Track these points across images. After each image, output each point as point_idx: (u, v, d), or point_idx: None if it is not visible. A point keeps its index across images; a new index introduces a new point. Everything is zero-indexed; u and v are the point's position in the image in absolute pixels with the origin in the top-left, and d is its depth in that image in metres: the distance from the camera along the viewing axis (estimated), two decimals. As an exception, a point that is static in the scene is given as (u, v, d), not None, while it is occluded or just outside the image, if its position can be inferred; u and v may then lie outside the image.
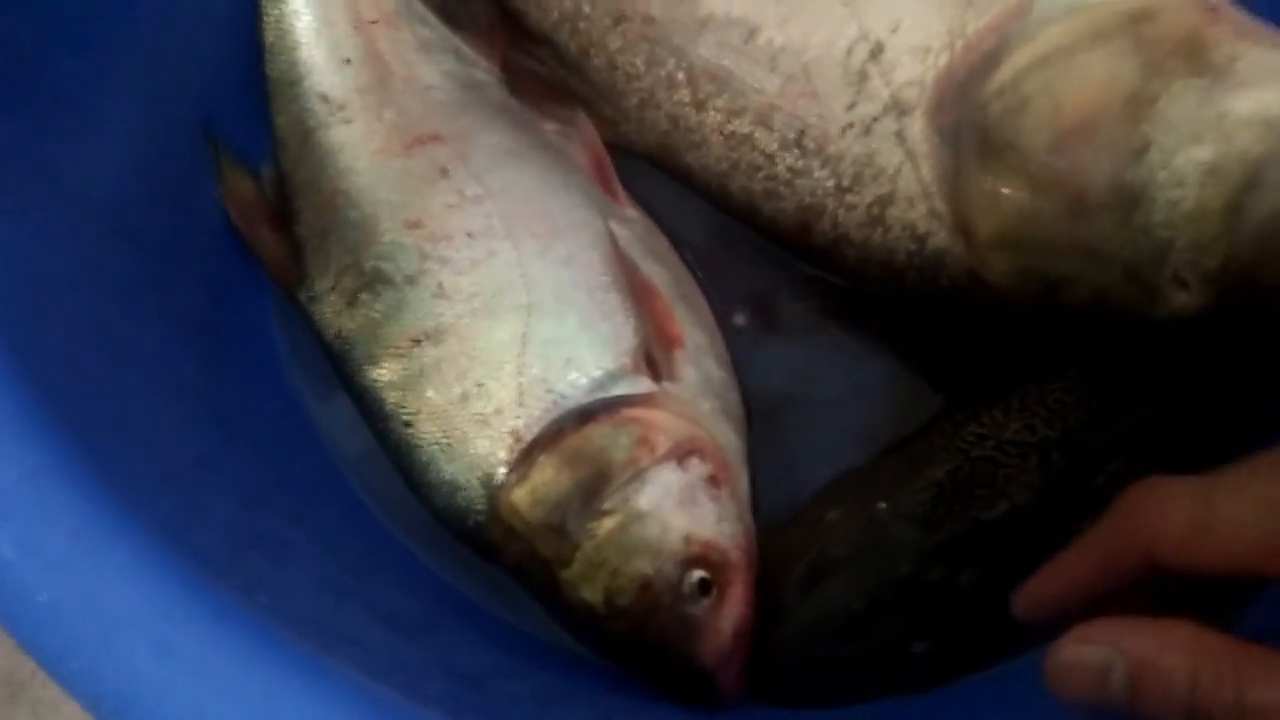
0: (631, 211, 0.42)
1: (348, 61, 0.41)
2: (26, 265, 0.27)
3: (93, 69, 0.34)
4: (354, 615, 0.29)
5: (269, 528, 0.30)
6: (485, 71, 0.44)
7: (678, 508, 0.35)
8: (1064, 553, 0.29)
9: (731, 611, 0.35)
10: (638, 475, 0.35)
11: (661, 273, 0.40)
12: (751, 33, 0.39)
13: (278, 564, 0.28)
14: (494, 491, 0.35)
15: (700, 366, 0.38)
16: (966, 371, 0.40)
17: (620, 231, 0.40)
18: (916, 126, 0.37)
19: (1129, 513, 0.27)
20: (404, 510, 0.37)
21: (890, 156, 0.37)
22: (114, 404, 0.28)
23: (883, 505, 0.36)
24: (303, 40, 0.41)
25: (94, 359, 0.28)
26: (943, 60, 0.37)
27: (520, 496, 0.35)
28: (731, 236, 0.43)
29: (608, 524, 0.34)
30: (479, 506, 0.36)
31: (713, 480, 0.36)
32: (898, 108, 0.37)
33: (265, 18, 0.41)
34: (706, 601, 0.34)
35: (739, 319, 0.42)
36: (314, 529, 0.33)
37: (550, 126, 0.43)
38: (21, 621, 0.21)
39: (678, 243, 0.43)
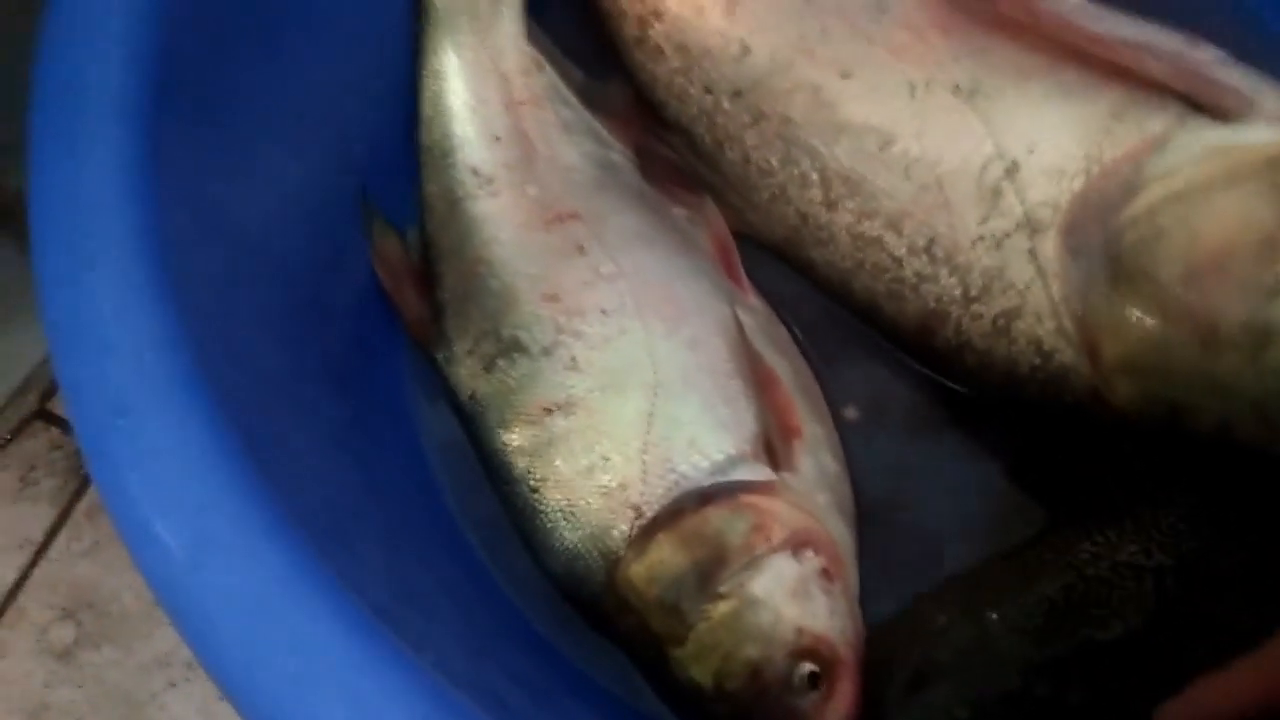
0: (755, 300, 0.43)
1: (497, 138, 0.43)
2: (226, 318, 0.29)
3: (274, 129, 0.37)
4: (493, 676, 0.30)
5: (417, 584, 0.32)
6: (621, 154, 0.46)
7: (791, 599, 0.35)
8: (1218, 674, 0.29)
9: (838, 708, 0.35)
10: (753, 562, 0.36)
11: (782, 363, 0.41)
12: (887, 141, 0.41)
13: (430, 620, 0.29)
14: (612, 564, 0.36)
15: (817, 459, 0.39)
16: (1076, 486, 0.41)
17: (744, 319, 0.41)
18: (1049, 245, 0.38)
19: None
20: (522, 575, 0.38)
21: (1021, 272, 0.38)
22: (290, 453, 0.29)
23: (993, 615, 0.36)
24: (458, 115, 0.43)
25: (274, 408, 0.30)
26: (1078, 184, 0.38)
27: (638, 572, 0.36)
28: (849, 332, 0.44)
29: (722, 608, 0.35)
30: (597, 577, 0.37)
31: (825, 574, 0.36)
32: (1030, 225, 0.38)
33: (424, 92, 0.43)
34: (814, 695, 0.35)
35: (850, 413, 0.43)
36: (447, 588, 0.34)
37: (680, 211, 0.45)
38: (222, 669, 0.22)
39: (796, 334, 0.44)
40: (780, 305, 0.44)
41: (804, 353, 0.43)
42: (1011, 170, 0.39)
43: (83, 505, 0.49)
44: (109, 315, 0.26)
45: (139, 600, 0.47)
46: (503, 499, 0.39)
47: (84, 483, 0.49)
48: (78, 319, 0.26)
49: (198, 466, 0.24)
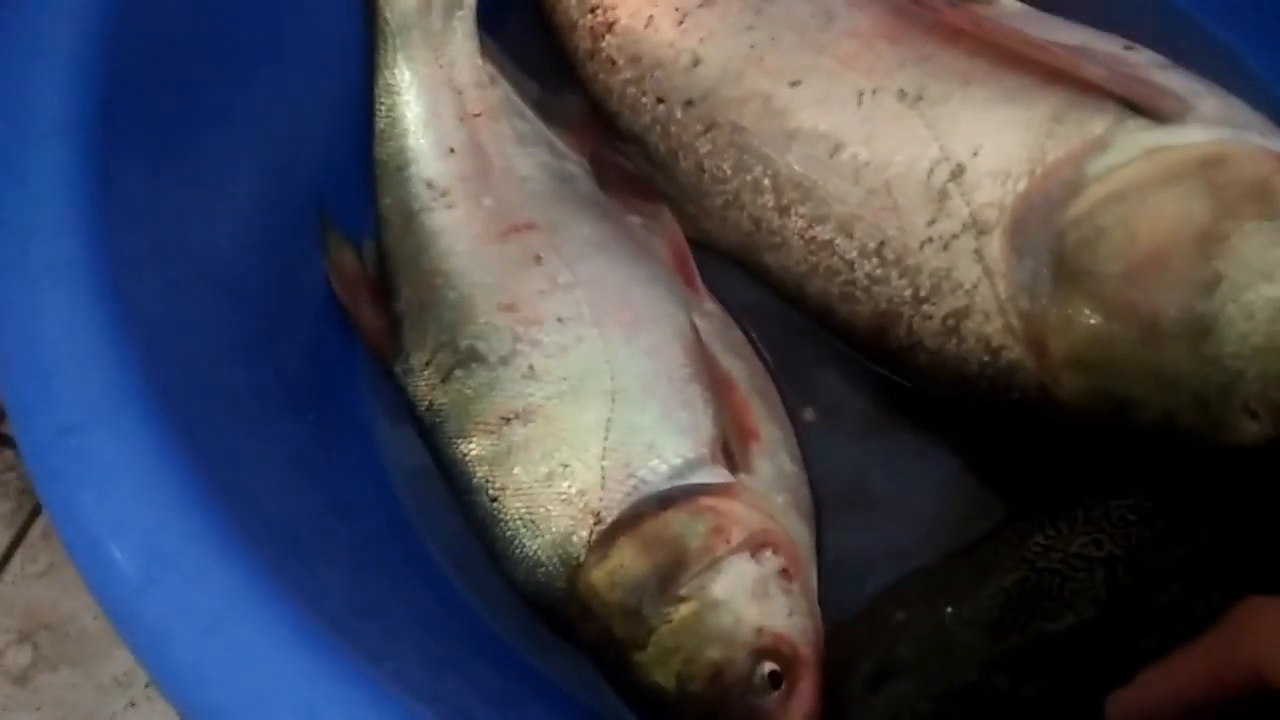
0: (711, 305, 0.44)
1: (452, 151, 0.43)
2: (178, 336, 0.29)
3: (225, 146, 0.37)
4: (457, 688, 0.30)
5: (377, 598, 0.32)
6: (576, 165, 0.46)
7: (751, 599, 0.36)
8: (1165, 662, 0.30)
9: (800, 706, 0.35)
10: (713, 564, 0.36)
11: (739, 366, 0.42)
12: (837, 147, 0.41)
13: (390, 634, 0.30)
14: (573, 570, 0.37)
15: (774, 460, 0.40)
16: (1030, 479, 0.42)
17: (701, 324, 0.42)
18: (995, 245, 0.39)
19: (1240, 629, 0.28)
20: (484, 585, 0.38)
21: (968, 272, 0.39)
22: (246, 469, 0.29)
23: (950, 610, 0.37)
24: (412, 129, 0.43)
25: (227, 426, 0.30)
26: (1021, 185, 0.39)
27: (599, 577, 0.36)
28: (805, 335, 0.44)
29: (683, 610, 0.35)
30: (559, 584, 0.37)
31: (785, 574, 0.37)
32: (977, 226, 0.39)
33: (378, 106, 0.43)
34: (776, 695, 0.35)
35: (808, 414, 0.44)
36: (409, 601, 0.34)
37: (636, 220, 0.45)
38: (177, 689, 0.22)
39: (752, 337, 0.44)
40: (736, 310, 0.45)
41: (760, 356, 0.44)
42: (957, 173, 0.39)
43: (38, 527, 0.48)
44: (57, 335, 0.26)
45: (97, 621, 0.46)
46: (463, 509, 0.39)
47: (39, 504, 0.49)
48: (24, 339, 0.26)
49: (148, 484, 0.24)
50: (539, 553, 0.37)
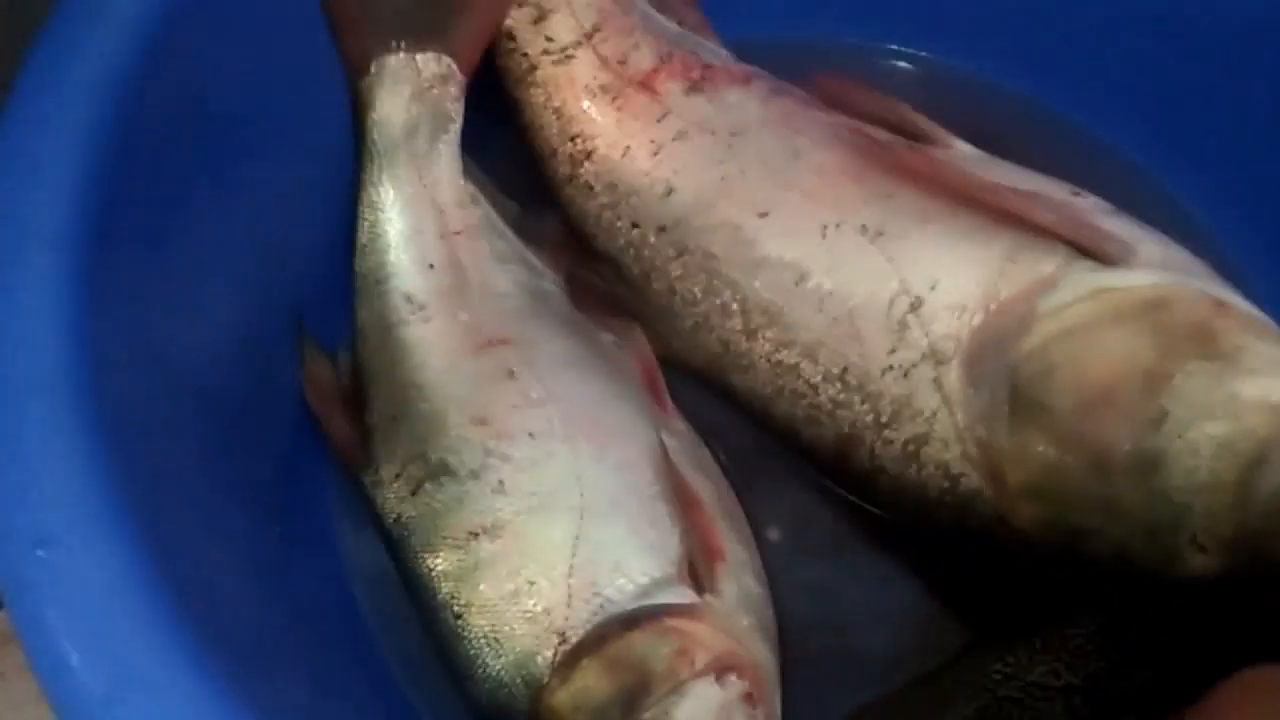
0: (679, 424, 0.45)
1: (431, 266, 0.44)
2: (154, 446, 0.29)
3: (209, 258, 0.37)
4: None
5: (333, 715, 0.31)
6: (552, 282, 0.47)
7: (715, 724, 0.36)
8: None
9: (762, 837, 0.35)
10: (677, 688, 0.36)
11: (706, 486, 0.42)
12: (802, 276, 0.43)
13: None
14: (536, 692, 0.36)
15: (740, 582, 0.40)
16: (991, 605, 0.42)
17: (669, 443, 0.43)
18: (953, 375, 0.40)
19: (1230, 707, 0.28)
20: (446, 706, 0.37)
21: (927, 400, 0.40)
22: (215, 583, 0.29)
23: (911, 738, 0.37)
24: (393, 244, 0.44)
25: (198, 537, 0.30)
26: (977, 319, 0.40)
27: (562, 699, 0.36)
28: (770, 455, 0.45)
29: (646, 736, 0.35)
30: (520, 706, 0.36)
31: (749, 699, 0.37)
32: (935, 357, 0.41)
33: (361, 221, 0.45)
34: (739, 824, 0.35)
35: (773, 534, 0.45)
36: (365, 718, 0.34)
37: (608, 337, 0.47)
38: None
39: (719, 457, 0.45)
40: (704, 429, 0.45)
41: (727, 475, 0.44)
42: (916, 305, 0.41)
43: (-10, 635, 0.46)
44: (36, 446, 0.26)
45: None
46: (426, 626, 0.38)
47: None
48: (6, 449, 0.26)
49: (118, 600, 0.24)
50: (502, 673, 0.37)
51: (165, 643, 0.24)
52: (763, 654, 0.39)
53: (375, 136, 0.45)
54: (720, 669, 0.37)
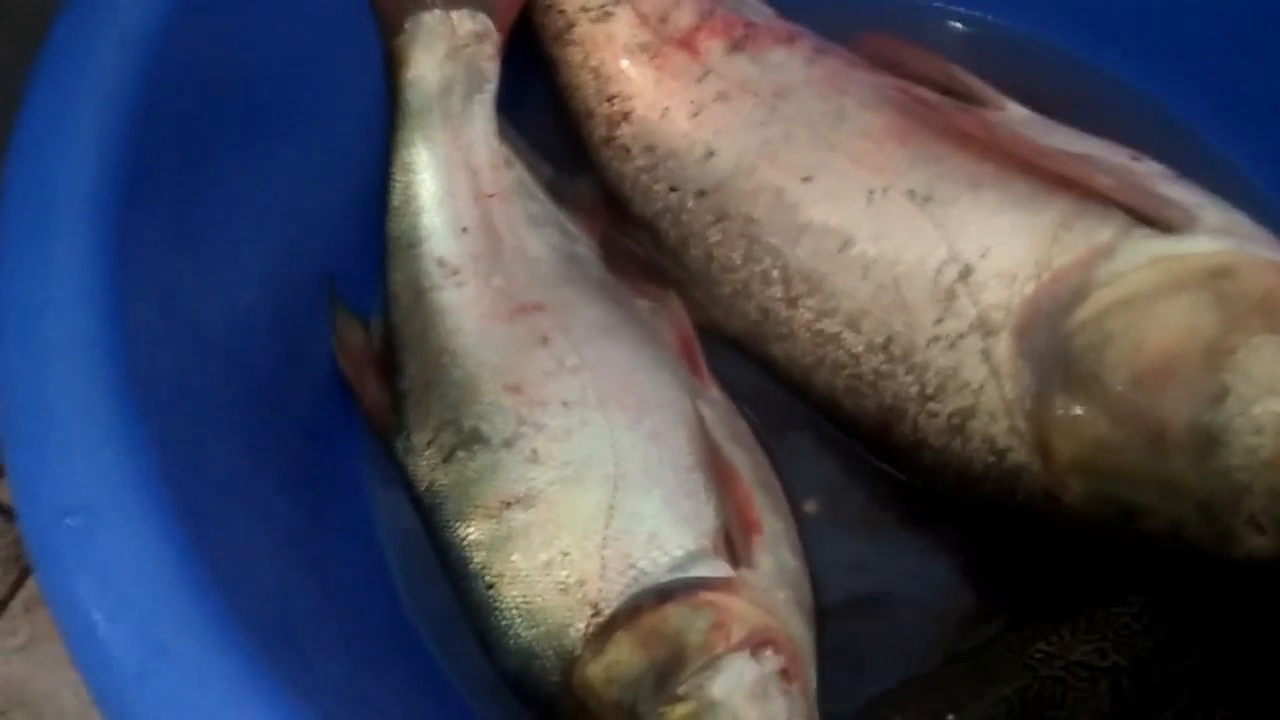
0: (716, 393, 0.44)
1: (465, 230, 0.43)
2: (187, 414, 0.29)
3: (241, 222, 0.37)
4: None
5: (368, 690, 0.31)
6: (586, 247, 0.46)
7: (750, 700, 0.35)
8: None
9: (797, 813, 0.34)
10: (712, 662, 0.35)
11: (742, 456, 0.41)
12: (846, 242, 0.42)
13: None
14: (568, 663, 0.36)
15: (776, 555, 0.39)
16: (1034, 582, 0.41)
17: (705, 413, 0.42)
18: (1002, 346, 0.39)
19: None
20: (477, 676, 0.37)
21: (975, 372, 0.39)
22: (246, 554, 0.29)
23: (950, 718, 0.36)
24: (427, 207, 0.43)
25: (230, 507, 0.29)
26: (1029, 288, 0.39)
27: (595, 672, 0.35)
28: (809, 425, 0.44)
29: (680, 710, 0.34)
30: (553, 677, 0.36)
31: (784, 674, 0.36)
32: (984, 327, 0.39)
33: (394, 183, 0.44)
34: (773, 800, 0.34)
35: (810, 507, 0.44)
36: (396, 688, 0.33)
37: (643, 304, 0.45)
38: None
39: (756, 427, 0.44)
40: (741, 398, 0.44)
41: (764, 446, 0.44)
42: (965, 274, 0.40)
43: (20, 598, 0.47)
44: (68, 412, 0.25)
45: (77, 699, 0.45)
46: (458, 594, 0.38)
47: (23, 573, 0.48)
48: (35, 413, 0.25)
49: (150, 572, 0.24)
50: (534, 644, 0.36)
51: (196, 614, 0.24)
52: (799, 628, 0.38)
53: (409, 96, 0.44)
54: (756, 643, 0.36)
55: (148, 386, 0.27)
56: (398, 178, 0.44)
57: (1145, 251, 0.38)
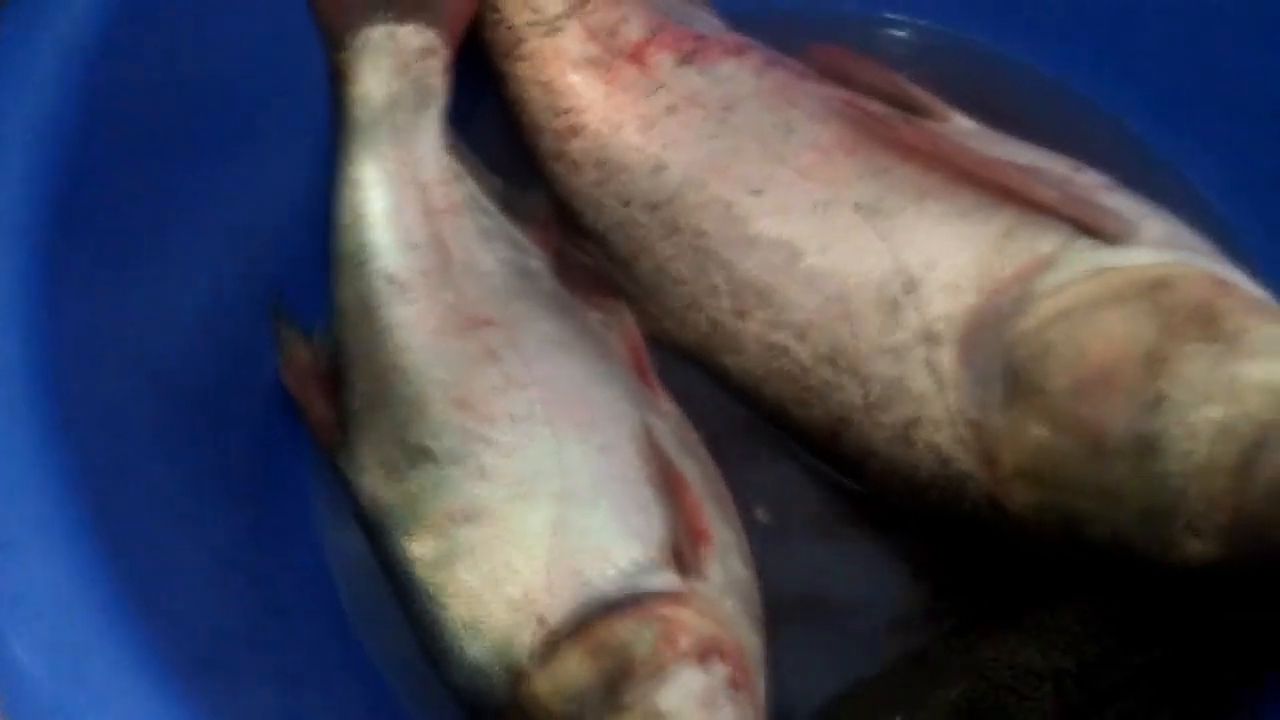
0: (666, 405, 0.44)
1: (414, 246, 0.43)
2: (119, 438, 0.28)
3: (182, 240, 0.37)
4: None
5: (302, 713, 0.31)
6: (538, 260, 0.46)
7: (698, 709, 0.35)
8: None
9: (745, 825, 0.34)
10: (660, 673, 0.35)
11: (693, 467, 0.42)
12: (794, 255, 0.42)
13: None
14: (516, 677, 0.36)
15: (726, 565, 0.39)
16: (982, 587, 0.42)
17: (656, 424, 0.42)
18: (946, 357, 0.39)
19: None
20: (427, 694, 0.37)
21: (920, 382, 0.39)
22: (179, 578, 0.28)
23: (898, 723, 0.36)
24: (375, 223, 0.43)
25: (163, 530, 0.29)
26: (973, 299, 0.39)
27: (542, 686, 0.35)
28: (760, 436, 0.44)
29: (627, 722, 0.35)
30: (500, 692, 0.36)
31: (733, 683, 0.36)
32: (929, 338, 0.40)
33: (341, 200, 0.44)
34: (721, 812, 0.34)
35: (761, 515, 0.44)
36: (343, 712, 0.33)
37: (595, 316, 0.46)
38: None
39: (707, 438, 0.44)
40: (692, 409, 0.44)
41: (715, 457, 0.44)
42: (910, 285, 0.40)
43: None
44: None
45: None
46: (406, 612, 0.38)
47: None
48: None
49: (72, 603, 0.23)
50: (481, 658, 0.36)
51: (118, 646, 0.23)
52: (748, 637, 0.38)
53: (356, 112, 0.44)
54: (704, 654, 0.36)
55: (75, 412, 0.26)
56: (345, 194, 0.44)
57: (1086, 263, 0.38)
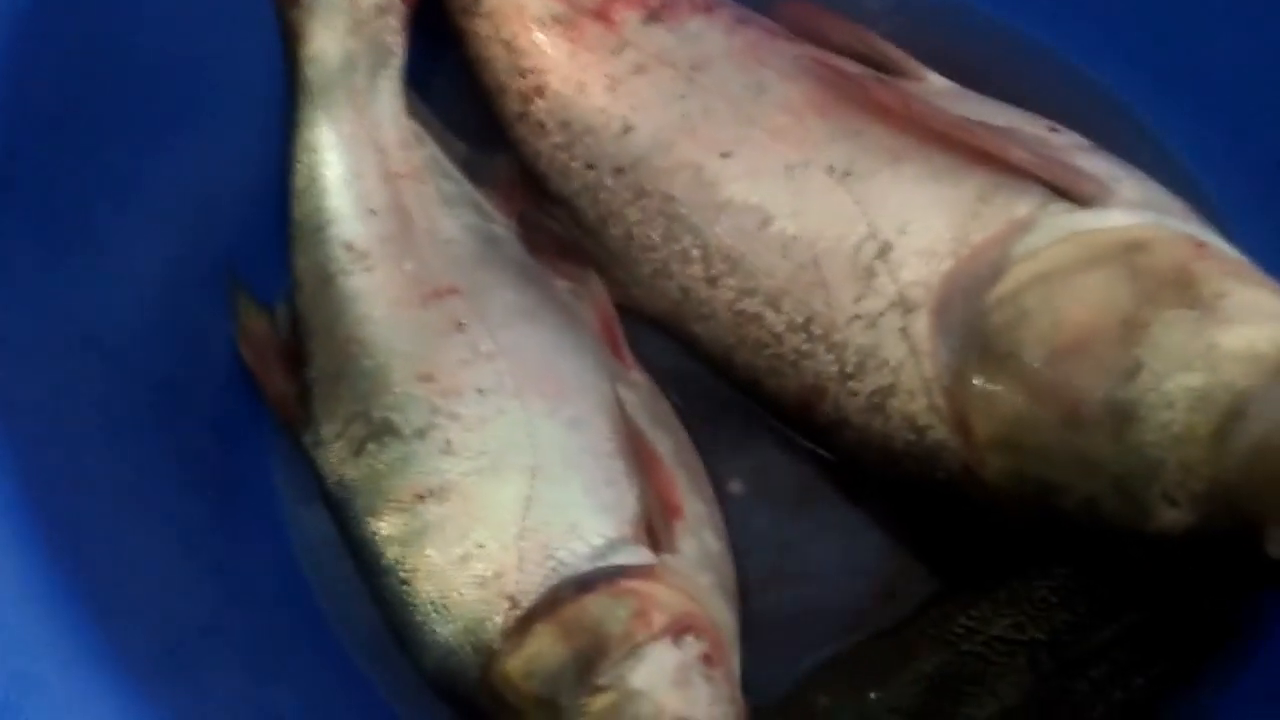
0: (637, 375, 0.43)
1: (373, 212, 0.42)
2: (63, 423, 0.27)
3: (129, 212, 0.35)
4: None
5: (273, 703, 0.30)
6: (503, 227, 0.45)
7: (672, 687, 0.35)
8: None
9: (720, 800, 0.34)
10: (633, 651, 0.35)
11: (665, 439, 0.41)
12: (765, 220, 0.41)
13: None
14: (487, 659, 0.35)
15: (699, 538, 0.39)
16: (957, 557, 0.41)
17: (627, 395, 0.41)
18: (921, 324, 0.38)
19: None
20: (400, 678, 0.36)
21: (894, 350, 0.39)
22: (134, 568, 0.27)
23: (874, 695, 0.36)
24: (332, 189, 0.42)
25: (115, 517, 0.28)
26: (947, 265, 0.39)
27: (514, 666, 0.35)
28: (732, 405, 0.44)
29: (601, 701, 0.34)
30: (471, 674, 0.35)
31: (707, 659, 0.36)
32: (903, 305, 0.39)
33: (296, 164, 0.42)
34: (696, 788, 0.34)
35: (735, 487, 0.43)
36: (312, 698, 0.32)
37: (563, 284, 0.44)
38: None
39: (678, 408, 0.43)
40: (663, 379, 0.44)
41: (687, 427, 0.43)
42: (884, 250, 0.39)
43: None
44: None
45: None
46: (373, 592, 0.37)
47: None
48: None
49: (14, 599, 0.22)
50: (451, 639, 0.35)
51: (63, 642, 0.22)
52: (722, 612, 0.38)
53: (310, 73, 0.42)
54: (677, 630, 0.36)
55: (11, 398, 0.25)
56: (300, 159, 0.42)
57: (1061, 226, 0.37)
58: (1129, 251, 0.36)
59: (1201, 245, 0.36)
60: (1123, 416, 0.35)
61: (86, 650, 0.22)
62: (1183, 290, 0.35)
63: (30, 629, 0.22)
